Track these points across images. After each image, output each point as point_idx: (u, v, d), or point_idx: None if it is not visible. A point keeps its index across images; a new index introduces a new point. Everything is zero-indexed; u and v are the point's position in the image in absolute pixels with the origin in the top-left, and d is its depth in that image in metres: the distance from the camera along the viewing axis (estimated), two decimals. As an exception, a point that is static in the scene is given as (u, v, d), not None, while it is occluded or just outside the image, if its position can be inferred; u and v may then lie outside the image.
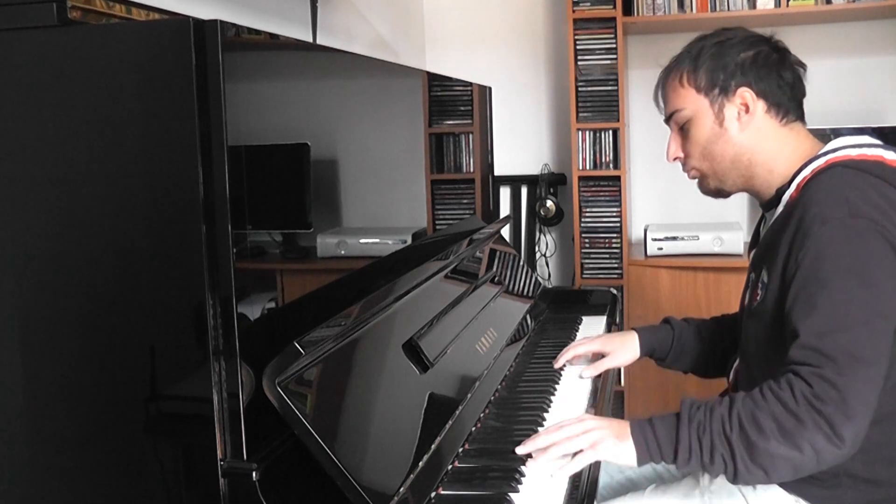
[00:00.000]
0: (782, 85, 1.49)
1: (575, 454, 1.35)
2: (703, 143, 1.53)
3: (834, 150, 1.44)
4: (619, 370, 2.09)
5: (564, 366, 1.85)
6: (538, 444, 1.37)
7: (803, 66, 1.54)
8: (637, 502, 1.57)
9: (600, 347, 1.84)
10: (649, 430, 1.34)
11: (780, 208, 1.46)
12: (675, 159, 1.59)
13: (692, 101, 1.52)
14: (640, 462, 1.35)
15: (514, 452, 1.38)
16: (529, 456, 1.37)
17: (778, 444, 1.26)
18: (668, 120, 1.58)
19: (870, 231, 1.31)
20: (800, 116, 1.53)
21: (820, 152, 1.46)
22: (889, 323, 1.30)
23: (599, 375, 1.82)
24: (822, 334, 1.28)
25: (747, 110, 1.49)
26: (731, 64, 1.49)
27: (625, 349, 1.83)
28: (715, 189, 1.59)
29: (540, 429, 1.48)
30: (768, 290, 1.42)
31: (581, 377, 1.78)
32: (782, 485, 1.44)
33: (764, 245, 1.48)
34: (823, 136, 1.52)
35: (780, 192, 1.48)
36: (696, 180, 1.60)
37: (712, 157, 1.53)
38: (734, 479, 1.31)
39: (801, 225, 1.35)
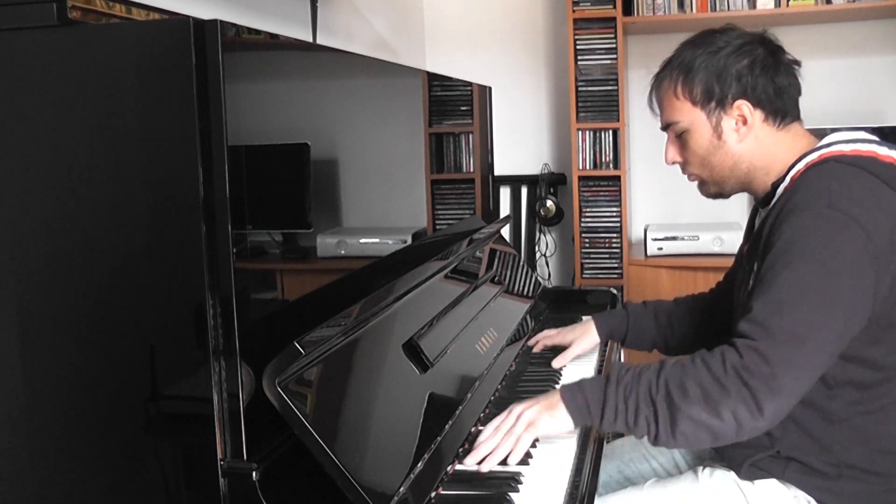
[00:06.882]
0: (778, 90, 1.48)
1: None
2: (702, 154, 1.53)
3: (829, 145, 1.46)
4: (620, 359, 2.12)
5: (564, 365, 1.87)
6: (482, 452, 1.37)
7: (797, 63, 1.53)
8: (636, 496, 1.58)
9: (563, 339, 1.93)
10: (578, 391, 1.38)
11: (775, 200, 1.47)
12: (673, 163, 1.59)
13: (688, 114, 1.51)
14: (576, 423, 1.38)
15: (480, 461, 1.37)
16: (479, 463, 1.36)
17: (700, 410, 1.28)
18: (664, 129, 1.58)
19: (843, 224, 1.32)
20: (796, 116, 1.53)
21: (815, 147, 1.47)
22: (842, 316, 1.31)
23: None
24: (772, 311, 1.30)
25: (745, 122, 1.49)
26: (725, 76, 1.47)
27: (585, 336, 1.92)
28: (714, 193, 1.61)
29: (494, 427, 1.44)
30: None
31: (552, 366, 1.85)
32: (781, 477, 1.45)
33: (757, 237, 1.49)
34: (822, 135, 1.52)
35: (776, 185, 1.50)
36: (696, 183, 1.62)
37: (711, 166, 1.54)
38: (655, 440, 1.32)
39: (782, 212, 1.38)
